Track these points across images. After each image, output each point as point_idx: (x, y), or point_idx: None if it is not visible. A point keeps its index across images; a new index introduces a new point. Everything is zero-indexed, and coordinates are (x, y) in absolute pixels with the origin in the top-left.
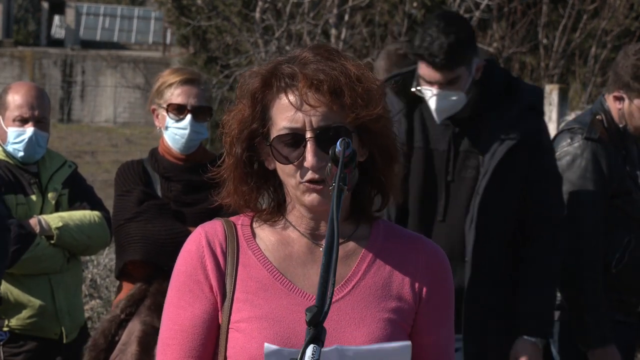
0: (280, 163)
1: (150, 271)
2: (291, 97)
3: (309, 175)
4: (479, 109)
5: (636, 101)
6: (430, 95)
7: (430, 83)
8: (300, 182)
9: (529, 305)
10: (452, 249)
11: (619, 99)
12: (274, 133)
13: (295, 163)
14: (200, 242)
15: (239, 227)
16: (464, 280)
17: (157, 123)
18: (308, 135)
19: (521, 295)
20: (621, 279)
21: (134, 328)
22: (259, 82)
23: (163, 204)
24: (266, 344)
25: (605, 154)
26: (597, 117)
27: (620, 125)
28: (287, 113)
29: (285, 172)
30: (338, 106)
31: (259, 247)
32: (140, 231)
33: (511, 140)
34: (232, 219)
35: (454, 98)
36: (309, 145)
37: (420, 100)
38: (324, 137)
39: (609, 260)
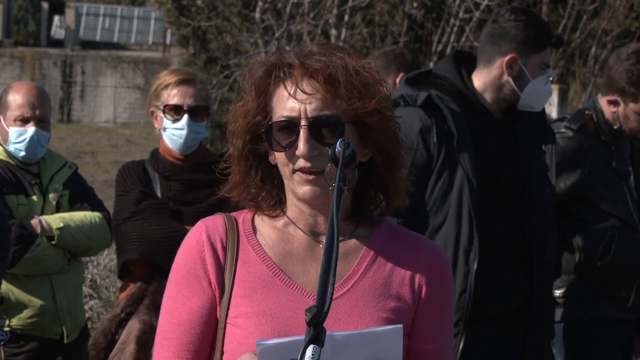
0: (273, 150)
1: (150, 270)
2: (288, 86)
3: (300, 163)
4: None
5: (631, 105)
6: (549, 76)
7: (547, 67)
8: (293, 171)
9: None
10: (511, 247)
11: (613, 102)
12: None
13: (288, 150)
14: (200, 236)
15: (240, 222)
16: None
17: (156, 125)
18: (302, 123)
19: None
20: (608, 273)
21: (133, 327)
22: (263, 73)
23: (161, 204)
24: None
25: (578, 144)
26: (587, 112)
27: (615, 127)
28: (284, 102)
29: (280, 160)
30: (333, 96)
31: (259, 243)
32: (137, 230)
33: (548, 139)
34: (234, 214)
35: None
36: (301, 133)
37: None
38: (317, 126)
39: (594, 254)
